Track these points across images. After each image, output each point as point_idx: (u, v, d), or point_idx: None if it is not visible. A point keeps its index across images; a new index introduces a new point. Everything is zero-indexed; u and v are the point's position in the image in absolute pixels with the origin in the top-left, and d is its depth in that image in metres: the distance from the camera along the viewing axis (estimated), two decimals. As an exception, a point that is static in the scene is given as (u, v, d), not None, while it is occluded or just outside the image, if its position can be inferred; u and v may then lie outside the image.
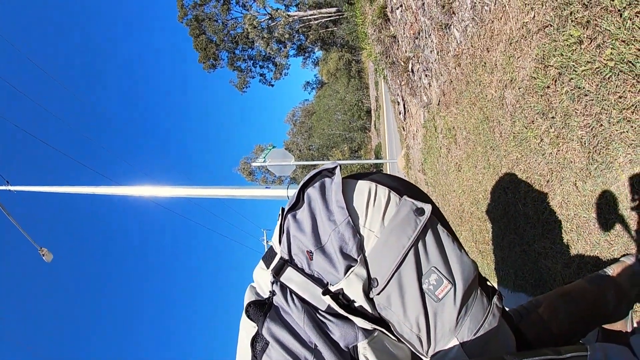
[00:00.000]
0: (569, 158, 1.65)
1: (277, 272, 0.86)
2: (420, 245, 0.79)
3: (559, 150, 1.71)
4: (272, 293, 0.87)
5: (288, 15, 24.76)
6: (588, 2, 1.38)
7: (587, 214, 1.60)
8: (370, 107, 39.27)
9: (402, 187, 0.88)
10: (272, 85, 29.46)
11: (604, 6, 1.30)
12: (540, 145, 1.85)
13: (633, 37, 1.20)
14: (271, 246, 0.94)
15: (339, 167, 0.90)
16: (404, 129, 6.80)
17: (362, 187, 0.86)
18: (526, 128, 1.95)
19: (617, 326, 1.41)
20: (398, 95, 6.17)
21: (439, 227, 0.83)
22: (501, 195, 2.47)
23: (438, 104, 3.72)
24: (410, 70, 4.61)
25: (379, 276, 0.79)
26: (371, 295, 0.79)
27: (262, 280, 0.92)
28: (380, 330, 0.82)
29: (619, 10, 1.25)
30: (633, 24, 1.20)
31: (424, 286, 0.79)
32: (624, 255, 1.41)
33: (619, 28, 1.25)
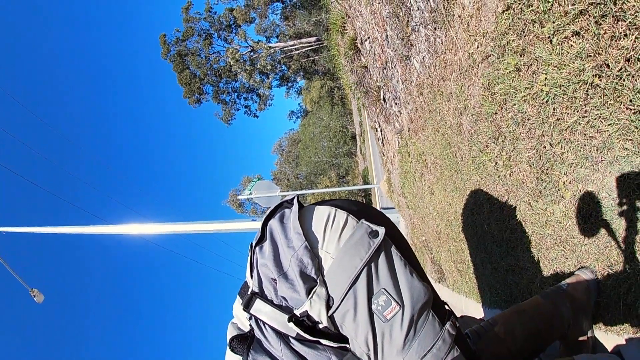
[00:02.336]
0: (520, 179, 1.71)
1: (247, 305, 0.89)
2: (372, 266, 0.83)
3: (511, 172, 1.78)
4: (251, 327, 0.90)
5: (269, 46, 25.38)
6: (521, 32, 1.47)
7: (543, 231, 1.65)
8: (355, 133, 39.84)
9: (361, 211, 0.92)
10: (257, 117, 29.77)
11: (536, 34, 1.39)
12: (495, 168, 1.92)
13: (563, 62, 1.28)
14: (245, 281, 0.97)
15: (296, 198, 0.96)
16: (383, 154, 6.91)
17: (322, 212, 0.90)
18: (482, 152, 2.03)
19: (579, 341, 1.43)
20: (375, 121, 6.31)
21: (393, 250, 0.87)
22: (469, 217, 2.52)
23: (408, 131, 3.83)
24: (382, 98, 4.74)
25: (335, 295, 0.82)
26: (329, 313, 0.82)
27: (241, 314, 0.96)
28: (350, 351, 0.84)
29: (548, 37, 1.33)
30: (562, 49, 1.28)
31: (373, 306, 0.82)
32: (579, 269, 1.45)
33: (550, 54, 1.34)
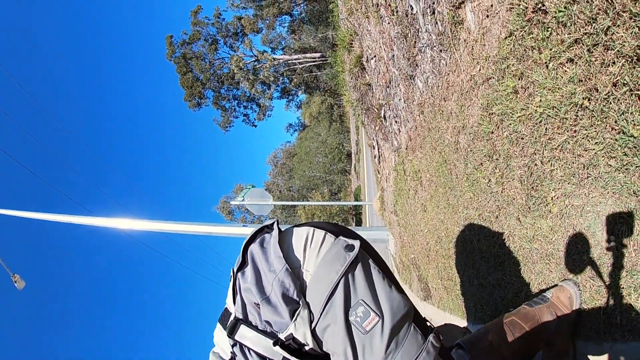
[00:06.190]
0: (511, 195, 1.81)
1: (231, 331, 0.89)
2: (350, 277, 0.84)
3: (503, 189, 1.88)
4: (233, 354, 0.91)
5: (274, 58, 25.75)
6: (521, 57, 1.59)
7: (530, 246, 1.74)
8: (350, 151, 40.20)
9: (338, 230, 0.95)
10: (255, 126, 30.03)
11: (534, 59, 1.51)
12: (488, 184, 2.02)
13: (557, 85, 1.39)
14: (226, 307, 0.97)
15: (276, 222, 0.97)
16: (378, 172, 7.02)
17: (301, 233, 0.92)
18: (476, 170, 2.13)
19: (561, 349, 1.50)
20: (373, 139, 6.43)
21: (371, 263, 0.89)
22: (459, 233, 2.61)
23: (406, 149, 3.94)
24: (382, 116, 4.87)
25: (315, 310, 0.84)
26: (311, 327, 0.84)
27: (222, 342, 0.96)
28: None
29: (545, 63, 1.44)
30: (556, 74, 1.39)
31: (351, 318, 0.82)
32: (562, 280, 1.53)
33: (545, 78, 1.45)
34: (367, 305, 0.83)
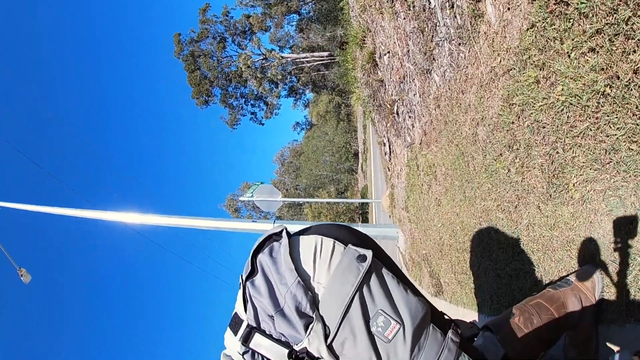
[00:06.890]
0: (532, 184, 1.86)
1: (246, 340, 0.90)
2: (365, 289, 0.85)
3: (523, 178, 1.92)
4: None
5: (282, 56, 25.80)
6: (543, 47, 1.64)
7: (550, 233, 1.78)
8: (357, 150, 40.19)
9: (347, 237, 0.95)
10: (263, 124, 30.11)
11: (556, 49, 1.56)
12: (507, 175, 2.07)
13: (579, 74, 1.44)
14: (236, 313, 0.97)
15: (285, 230, 0.96)
16: (389, 169, 7.06)
17: (309, 242, 0.91)
18: (495, 160, 2.18)
19: (585, 333, 1.53)
20: (384, 136, 6.47)
21: (384, 271, 0.90)
22: (476, 225, 2.65)
23: (420, 144, 3.98)
24: (395, 112, 4.91)
25: (330, 324, 0.84)
26: (327, 343, 0.85)
27: (233, 346, 0.96)
28: None
29: (567, 53, 1.49)
30: (579, 63, 1.44)
31: (373, 329, 0.83)
32: (584, 265, 1.56)
33: (567, 67, 1.49)
34: (387, 314, 0.84)
